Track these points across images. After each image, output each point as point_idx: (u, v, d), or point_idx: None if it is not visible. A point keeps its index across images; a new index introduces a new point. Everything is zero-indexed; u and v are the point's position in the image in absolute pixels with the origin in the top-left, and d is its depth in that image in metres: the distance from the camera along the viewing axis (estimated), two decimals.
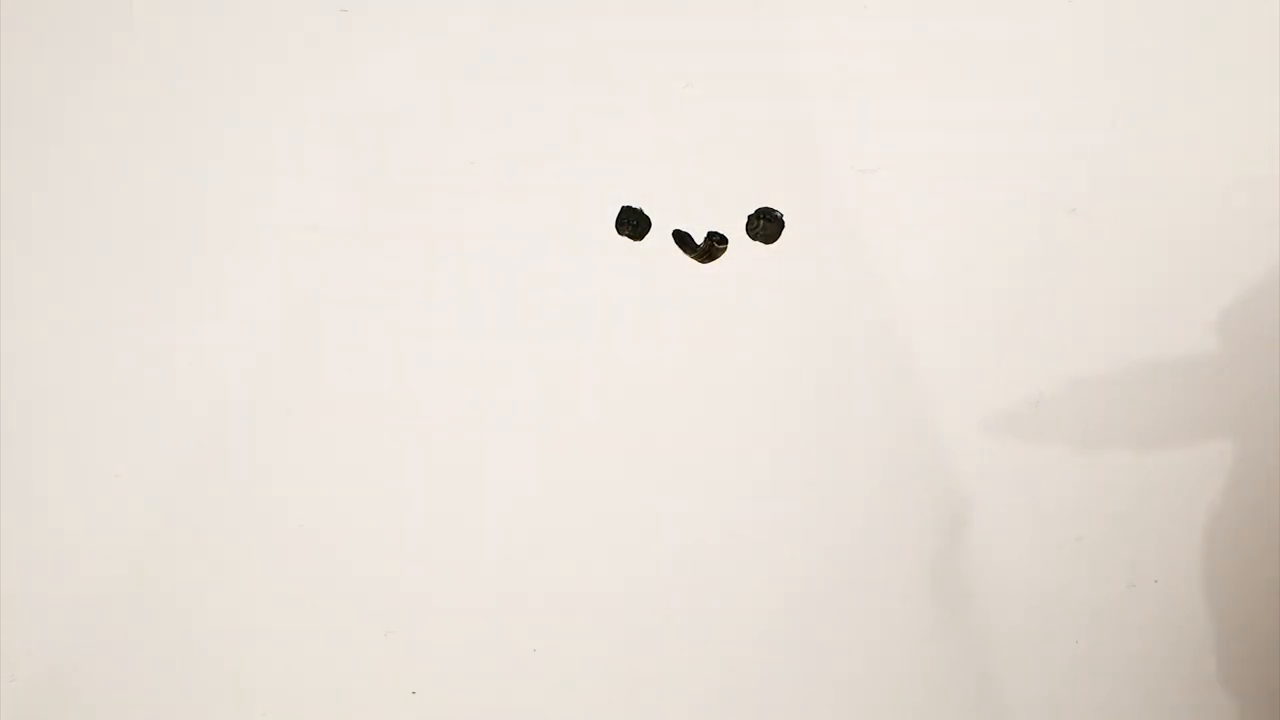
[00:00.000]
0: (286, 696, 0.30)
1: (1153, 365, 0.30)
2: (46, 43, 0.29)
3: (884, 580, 0.30)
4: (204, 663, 0.29)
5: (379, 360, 0.29)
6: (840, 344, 0.30)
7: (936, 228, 0.30)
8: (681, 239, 0.30)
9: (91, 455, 0.29)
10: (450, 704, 0.30)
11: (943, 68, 0.30)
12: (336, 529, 0.29)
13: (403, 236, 0.29)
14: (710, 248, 0.30)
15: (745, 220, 0.30)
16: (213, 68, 0.29)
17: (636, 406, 0.30)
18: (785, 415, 0.30)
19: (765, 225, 0.30)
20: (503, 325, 0.29)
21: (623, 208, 0.29)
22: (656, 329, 0.30)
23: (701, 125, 0.29)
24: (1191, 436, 0.30)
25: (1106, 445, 0.30)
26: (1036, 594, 0.30)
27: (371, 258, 0.29)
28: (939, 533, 0.30)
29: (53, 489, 0.29)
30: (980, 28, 0.30)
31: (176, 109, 0.29)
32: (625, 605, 0.30)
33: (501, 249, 0.29)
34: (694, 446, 0.30)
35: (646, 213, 0.30)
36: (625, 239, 0.30)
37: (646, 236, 0.30)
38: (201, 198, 0.29)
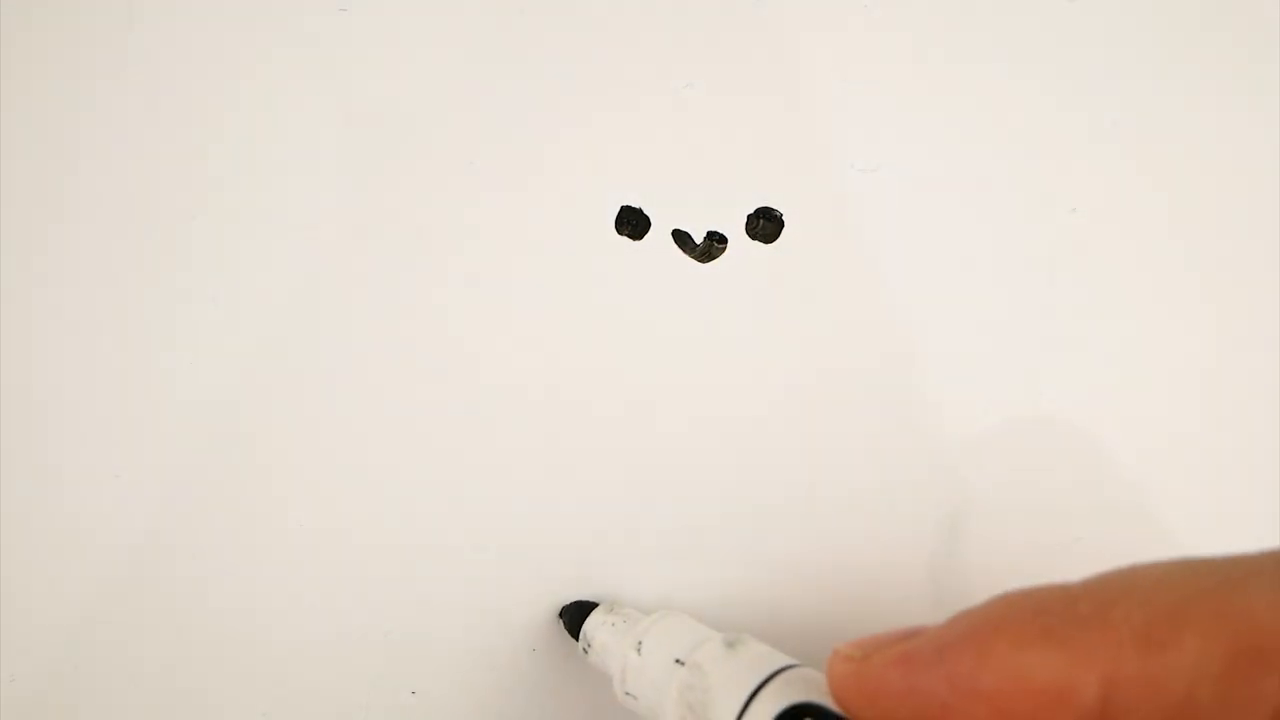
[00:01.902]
0: (287, 696, 0.30)
1: (1152, 365, 0.30)
2: (45, 42, 0.29)
3: (883, 580, 0.30)
4: (204, 663, 0.29)
5: (379, 360, 0.29)
6: (839, 344, 0.30)
7: (936, 227, 0.30)
8: (681, 239, 0.30)
9: (91, 455, 0.29)
10: (450, 704, 0.30)
11: (943, 67, 0.30)
12: (336, 529, 0.29)
13: (402, 237, 0.29)
14: (710, 248, 0.30)
15: (745, 220, 0.30)
16: (210, 67, 0.29)
17: (636, 406, 0.30)
18: (784, 415, 0.30)
19: (765, 225, 0.30)
20: (501, 325, 0.29)
21: (622, 207, 0.29)
22: (656, 329, 0.30)
23: (701, 125, 0.29)
24: (1192, 435, 0.30)
25: (1106, 445, 0.30)
26: None
27: (371, 258, 0.29)
28: (939, 533, 0.30)
29: (52, 489, 0.29)
30: (981, 27, 0.30)
31: (173, 109, 0.29)
32: (626, 605, 0.30)
33: (501, 249, 0.29)
34: (693, 447, 0.30)
35: (646, 212, 0.30)
36: (625, 239, 0.30)
37: (646, 236, 0.30)
38: (199, 198, 0.29)
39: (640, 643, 0.25)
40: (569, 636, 0.29)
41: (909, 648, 0.18)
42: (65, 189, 0.29)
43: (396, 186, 0.29)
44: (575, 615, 0.28)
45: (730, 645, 0.23)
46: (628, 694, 0.25)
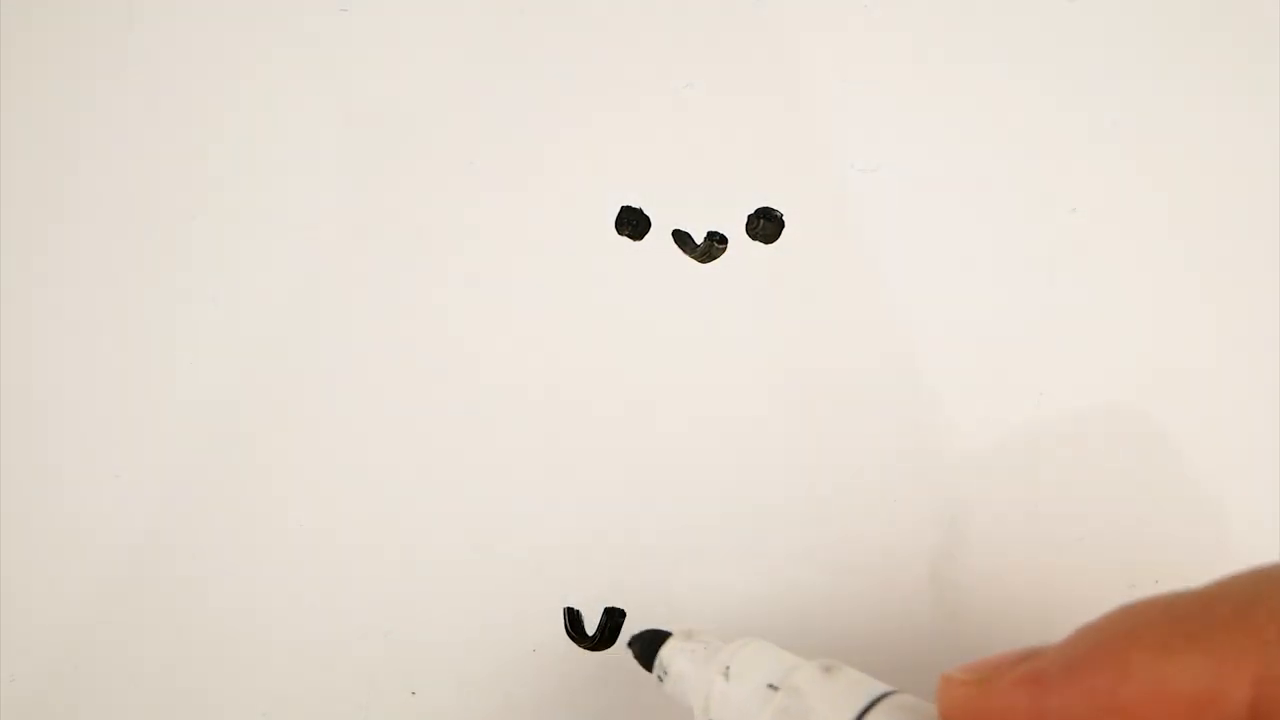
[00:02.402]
0: (287, 696, 0.30)
1: (1152, 365, 0.30)
2: (45, 42, 0.29)
3: (883, 581, 0.30)
4: (204, 663, 0.29)
5: (379, 360, 0.29)
6: (840, 344, 0.30)
7: (936, 227, 0.30)
8: (681, 239, 0.30)
9: (92, 456, 0.29)
10: (450, 704, 0.30)
11: (943, 67, 0.30)
12: (336, 529, 0.29)
13: (402, 237, 0.29)
14: (710, 248, 0.30)
15: (745, 220, 0.30)
16: (210, 67, 0.29)
17: (636, 406, 0.30)
18: (784, 415, 0.30)
19: (765, 225, 0.30)
20: (502, 326, 0.29)
21: (623, 208, 0.29)
22: (656, 329, 0.30)
23: (701, 125, 0.29)
24: (1192, 435, 0.30)
25: (1106, 445, 0.30)
26: (1036, 594, 0.30)
27: (372, 258, 0.29)
28: (939, 533, 0.30)
29: (52, 489, 0.29)
30: (981, 27, 0.30)
31: (173, 109, 0.29)
32: (626, 605, 0.30)
33: (501, 249, 0.29)
34: (693, 447, 0.30)
35: (646, 213, 0.30)
36: (625, 239, 0.30)
37: (646, 236, 0.30)
38: (200, 198, 0.29)
39: (728, 668, 0.24)
40: (569, 639, 0.29)
41: (1034, 667, 0.18)
42: (65, 189, 0.29)
43: (396, 186, 0.29)
44: (649, 643, 0.27)
45: (827, 670, 0.22)
46: None
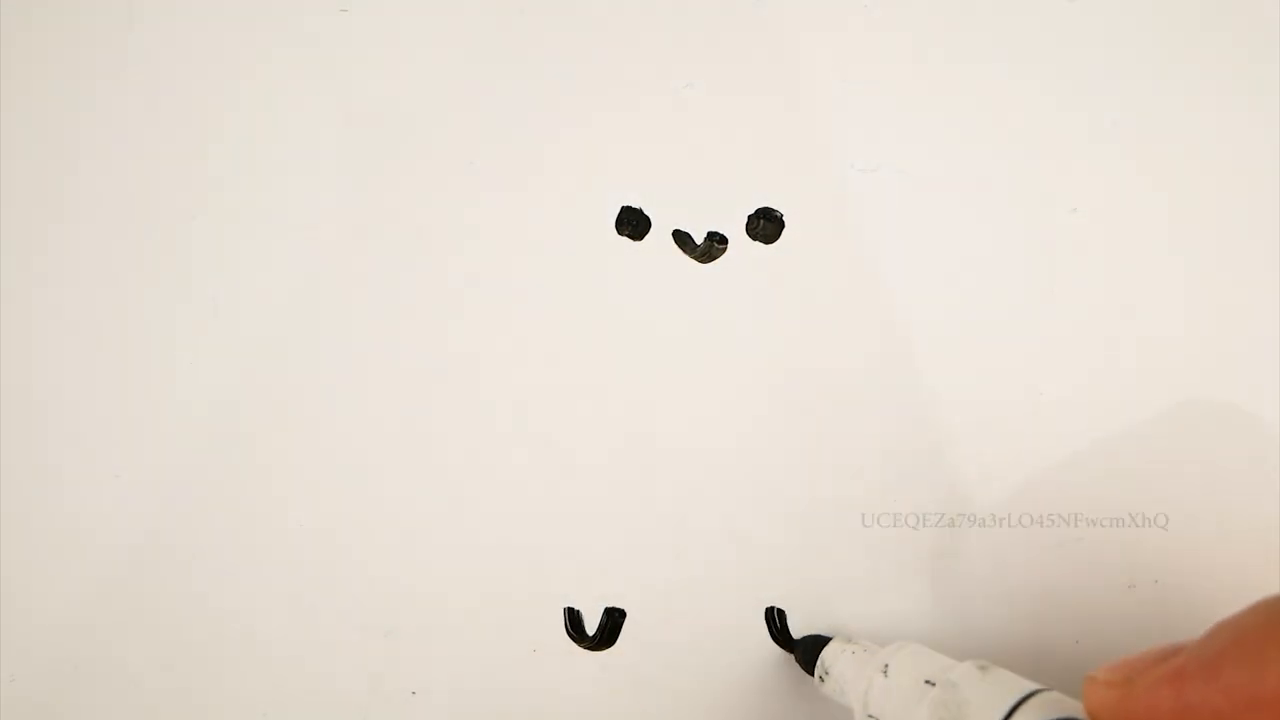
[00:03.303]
0: (287, 696, 0.30)
1: (1151, 365, 0.30)
2: (45, 42, 0.29)
3: (882, 580, 0.30)
4: (204, 663, 0.29)
5: (379, 360, 0.29)
6: (840, 344, 0.30)
7: (936, 227, 0.30)
8: (681, 239, 0.30)
9: (92, 456, 0.29)
10: (450, 704, 0.30)
11: (943, 67, 0.30)
12: (336, 529, 0.29)
13: (402, 237, 0.29)
14: (710, 248, 0.30)
15: (745, 220, 0.30)
16: (210, 67, 0.29)
17: (637, 407, 0.30)
18: (784, 415, 0.30)
19: (765, 225, 0.30)
20: (502, 326, 0.29)
21: (623, 208, 0.29)
22: (656, 329, 0.30)
23: (701, 125, 0.29)
24: (1192, 436, 0.30)
25: (1106, 445, 0.30)
26: (1036, 594, 0.30)
27: (371, 258, 0.29)
28: (939, 533, 0.30)
29: (52, 489, 0.29)
30: (981, 27, 0.30)
31: (173, 109, 0.29)
32: (626, 605, 0.30)
33: (501, 249, 0.29)
34: (694, 447, 0.30)
35: (646, 213, 0.30)
36: (625, 239, 0.30)
37: (646, 236, 0.30)
38: (199, 198, 0.29)
39: (887, 665, 0.25)
40: (569, 638, 0.29)
41: (1176, 665, 0.18)
42: (65, 189, 0.29)
43: (396, 186, 0.29)
44: (810, 648, 0.29)
45: (983, 669, 0.23)
46: (870, 716, 0.25)
